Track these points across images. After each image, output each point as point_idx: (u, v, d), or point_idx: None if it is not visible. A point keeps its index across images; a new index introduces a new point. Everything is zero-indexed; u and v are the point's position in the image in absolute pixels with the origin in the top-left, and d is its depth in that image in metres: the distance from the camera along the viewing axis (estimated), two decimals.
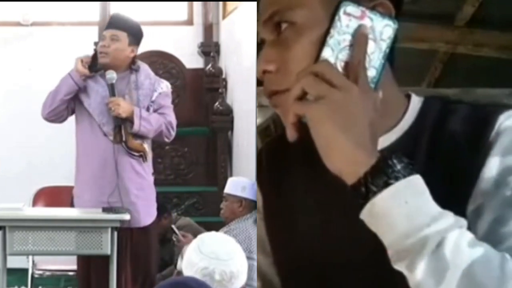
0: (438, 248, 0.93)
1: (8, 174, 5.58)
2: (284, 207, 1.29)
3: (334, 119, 0.97)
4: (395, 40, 1.16)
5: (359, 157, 0.97)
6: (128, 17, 3.77)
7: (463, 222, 0.97)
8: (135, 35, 3.64)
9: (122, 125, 3.49)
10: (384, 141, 1.15)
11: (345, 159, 0.98)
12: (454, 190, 1.08)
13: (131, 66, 3.63)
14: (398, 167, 0.96)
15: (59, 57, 5.87)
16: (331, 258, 1.19)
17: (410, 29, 4.31)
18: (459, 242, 0.93)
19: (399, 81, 1.20)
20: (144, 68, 3.69)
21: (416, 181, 0.97)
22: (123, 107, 3.47)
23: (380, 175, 0.96)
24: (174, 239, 4.31)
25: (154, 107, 3.62)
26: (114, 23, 3.64)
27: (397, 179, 0.95)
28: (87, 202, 3.56)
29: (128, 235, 3.51)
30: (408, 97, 1.21)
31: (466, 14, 4.31)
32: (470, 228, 1.04)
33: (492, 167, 1.06)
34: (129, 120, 3.48)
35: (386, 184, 0.95)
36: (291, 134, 1.02)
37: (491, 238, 1.01)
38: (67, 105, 3.60)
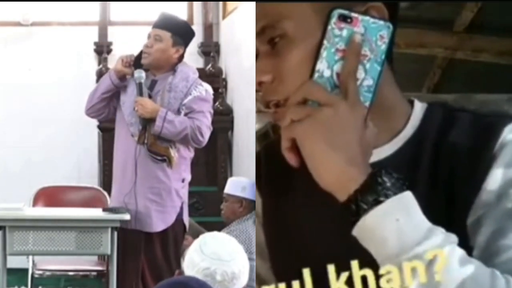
0: (429, 266, 0.94)
1: (8, 174, 5.58)
2: (283, 213, 1.29)
3: (321, 137, 0.98)
4: (393, 44, 1.15)
5: (349, 174, 0.98)
6: (176, 17, 3.74)
7: (454, 238, 0.97)
8: (181, 35, 3.57)
9: (147, 127, 3.46)
10: (388, 149, 1.15)
11: (334, 177, 0.98)
12: (456, 201, 1.09)
13: (174, 67, 3.56)
14: (388, 184, 0.96)
15: (59, 57, 5.88)
16: (331, 264, 1.19)
17: (409, 34, 4.32)
18: (450, 259, 0.94)
19: (398, 87, 1.20)
20: (184, 70, 3.59)
21: (407, 198, 0.97)
22: (146, 108, 3.42)
23: (370, 193, 0.96)
24: None
25: (185, 110, 3.52)
26: (158, 23, 3.58)
27: (387, 196, 0.96)
28: (112, 199, 3.61)
29: (139, 238, 3.48)
30: (411, 103, 1.21)
31: (465, 19, 4.30)
32: (470, 238, 1.06)
33: (495, 179, 1.07)
34: (154, 121, 3.43)
35: (377, 202, 0.96)
36: (292, 160, 1.02)
37: (490, 249, 1.03)
38: (106, 103, 3.58)
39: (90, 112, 3.63)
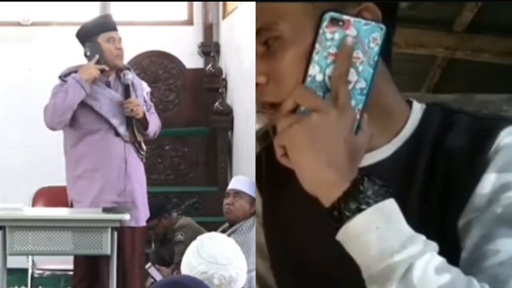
0: (406, 274, 0.95)
1: (8, 174, 5.58)
2: (283, 212, 1.29)
3: (306, 143, 0.98)
4: (391, 44, 1.15)
5: (332, 180, 0.99)
6: None
7: (434, 246, 0.98)
8: None
9: (134, 126, 3.49)
10: (387, 150, 1.15)
11: (318, 182, 0.99)
12: (450, 203, 1.09)
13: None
14: (370, 192, 0.97)
15: (59, 57, 5.88)
16: (328, 264, 1.19)
17: (409, 34, 4.32)
18: (427, 268, 0.95)
19: (397, 87, 1.20)
20: (126, 67, 3.66)
21: (388, 206, 0.98)
22: (140, 108, 3.49)
23: (352, 200, 0.97)
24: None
25: (147, 107, 3.63)
26: (114, 25, 3.62)
27: (368, 204, 0.97)
28: (93, 203, 3.51)
29: (129, 234, 3.51)
30: (409, 103, 1.21)
31: (465, 19, 4.31)
32: (460, 242, 1.06)
33: (487, 183, 1.06)
34: (140, 121, 3.50)
35: (358, 210, 0.97)
36: (289, 165, 1.02)
37: (477, 253, 1.03)
38: (73, 112, 3.53)
39: (59, 123, 3.52)
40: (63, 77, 3.57)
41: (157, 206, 4.61)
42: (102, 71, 3.50)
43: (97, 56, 3.51)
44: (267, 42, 1.09)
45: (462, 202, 1.07)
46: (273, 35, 1.08)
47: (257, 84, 1.11)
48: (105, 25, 3.60)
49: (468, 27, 4.41)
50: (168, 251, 4.66)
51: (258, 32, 1.10)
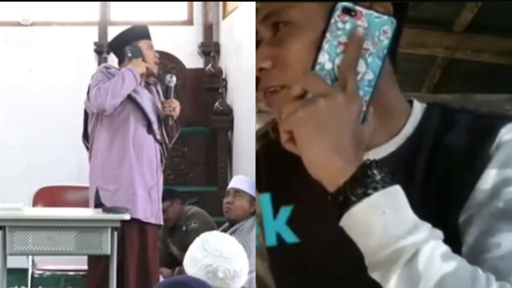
0: (412, 260, 0.95)
1: (8, 174, 5.59)
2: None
3: (313, 127, 0.98)
4: (397, 45, 1.15)
5: (338, 166, 0.98)
6: None
7: (439, 234, 0.98)
8: None
9: (167, 127, 3.67)
10: (387, 148, 1.16)
11: (324, 167, 0.99)
12: (450, 200, 1.09)
13: None
14: (378, 177, 0.97)
15: (59, 57, 5.89)
16: (329, 263, 1.19)
17: (409, 34, 4.32)
18: (433, 255, 0.95)
19: (398, 86, 1.20)
20: None
21: (395, 192, 0.98)
22: (178, 109, 3.67)
23: (359, 185, 0.97)
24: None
25: None
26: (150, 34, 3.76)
27: (375, 189, 0.96)
28: (122, 193, 3.54)
29: (155, 232, 3.64)
30: (410, 103, 1.21)
31: (465, 19, 4.31)
32: (460, 237, 1.06)
33: (488, 179, 1.07)
34: (172, 120, 3.66)
35: (365, 194, 0.96)
36: (295, 150, 1.02)
37: (479, 247, 1.03)
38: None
39: (112, 106, 3.52)
40: (107, 69, 3.64)
41: (169, 189, 4.49)
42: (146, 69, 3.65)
43: (140, 58, 3.64)
44: (276, 25, 1.09)
45: (463, 199, 1.08)
46: (283, 19, 1.08)
47: (261, 69, 1.11)
48: (146, 33, 3.73)
49: (468, 27, 4.41)
50: (177, 240, 4.50)
51: (267, 17, 1.10)
